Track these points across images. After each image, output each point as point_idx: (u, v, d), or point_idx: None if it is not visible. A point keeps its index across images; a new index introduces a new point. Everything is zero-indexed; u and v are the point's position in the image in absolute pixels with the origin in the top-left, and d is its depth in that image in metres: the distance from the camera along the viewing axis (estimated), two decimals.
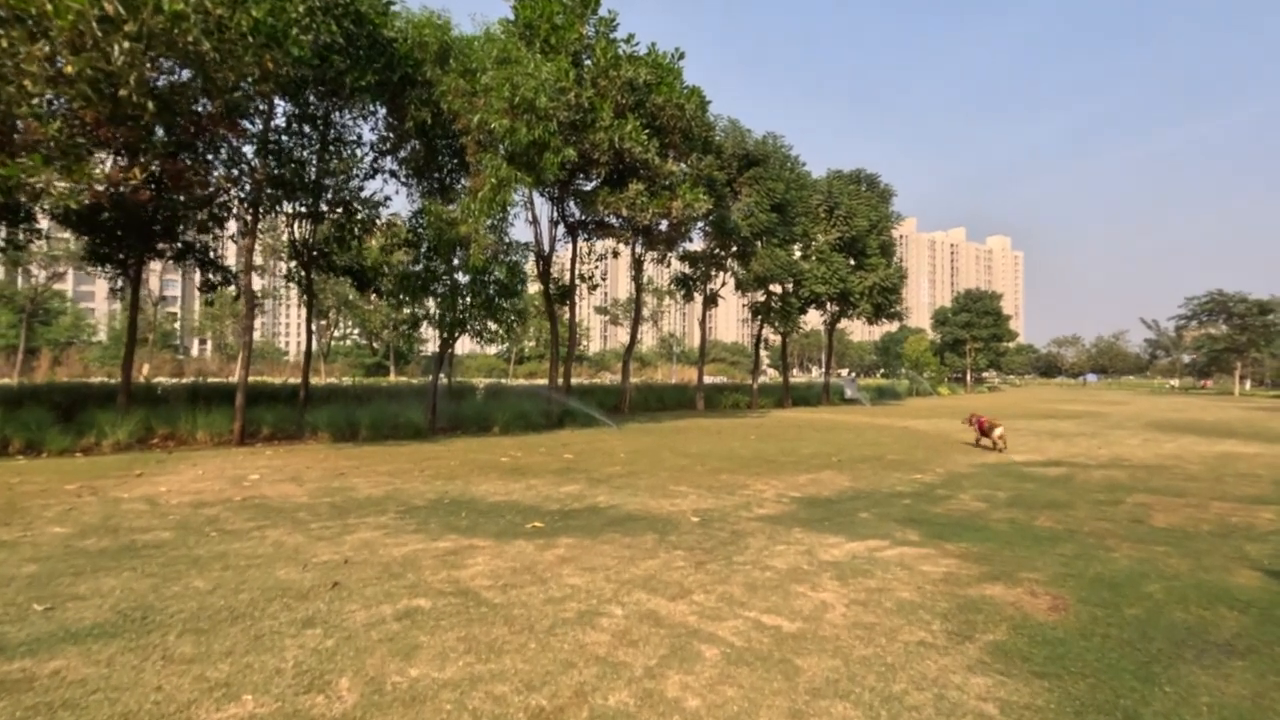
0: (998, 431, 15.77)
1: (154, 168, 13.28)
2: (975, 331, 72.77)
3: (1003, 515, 8.36)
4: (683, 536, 7.09)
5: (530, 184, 15.43)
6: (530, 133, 15.02)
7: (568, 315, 27.64)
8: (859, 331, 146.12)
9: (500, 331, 17.91)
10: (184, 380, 29.71)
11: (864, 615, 4.76)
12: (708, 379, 59.37)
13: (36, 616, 4.52)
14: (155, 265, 21.77)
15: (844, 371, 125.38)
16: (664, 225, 21.67)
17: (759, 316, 33.09)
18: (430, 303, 17.87)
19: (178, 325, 76.38)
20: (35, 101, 9.31)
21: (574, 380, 43.78)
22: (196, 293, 20.89)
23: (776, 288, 32.64)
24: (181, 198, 14.68)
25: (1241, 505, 9.14)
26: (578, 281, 23.43)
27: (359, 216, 18.03)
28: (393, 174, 19.22)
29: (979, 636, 4.39)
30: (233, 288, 18.83)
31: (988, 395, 63.03)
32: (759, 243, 28.91)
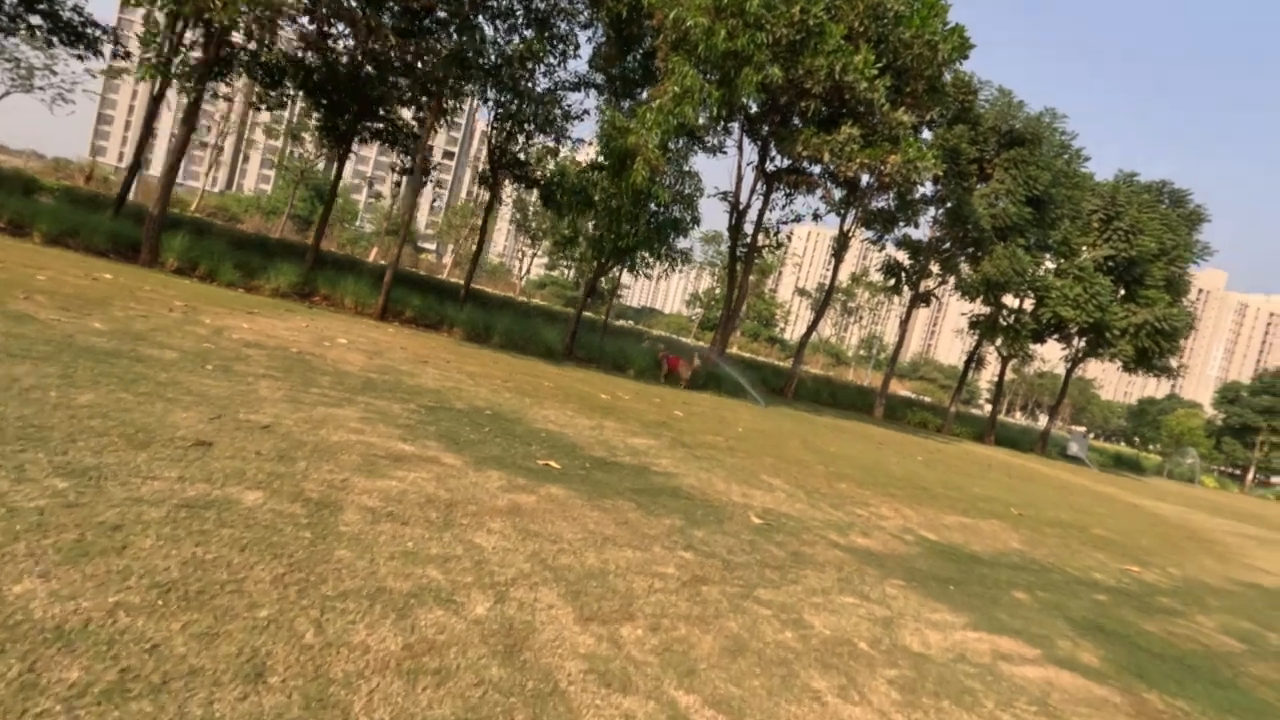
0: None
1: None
2: (1277, 421, 56.90)
3: (1273, 671, 4.97)
4: (715, 535, 4.92)
5: (718, 100, 13.31)
6: (731, 40, 12.87)
7: (753, 278, 25.29)
8: (1110, 386, 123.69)
9: (659, 267, 16.44)
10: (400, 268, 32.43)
11: None
12: (909, 394, 53.00)
13: None
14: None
15: (1079, 428, 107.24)
16: (875, 185, 18.35)
17: (976, 330, 27.87)
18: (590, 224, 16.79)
19: (424, 228, 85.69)
20: None
21: (754, 356, 41.34)
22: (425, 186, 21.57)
23: (1011, 300, 27.17)
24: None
25: None
26: (761, 236, 20.88)
27: (550, 116, 17.33)
28: (596, 87, 18.35)
29: None
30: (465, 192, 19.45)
31: (1274, 503, 49.03)
32: (1001, 242, 23.93)
